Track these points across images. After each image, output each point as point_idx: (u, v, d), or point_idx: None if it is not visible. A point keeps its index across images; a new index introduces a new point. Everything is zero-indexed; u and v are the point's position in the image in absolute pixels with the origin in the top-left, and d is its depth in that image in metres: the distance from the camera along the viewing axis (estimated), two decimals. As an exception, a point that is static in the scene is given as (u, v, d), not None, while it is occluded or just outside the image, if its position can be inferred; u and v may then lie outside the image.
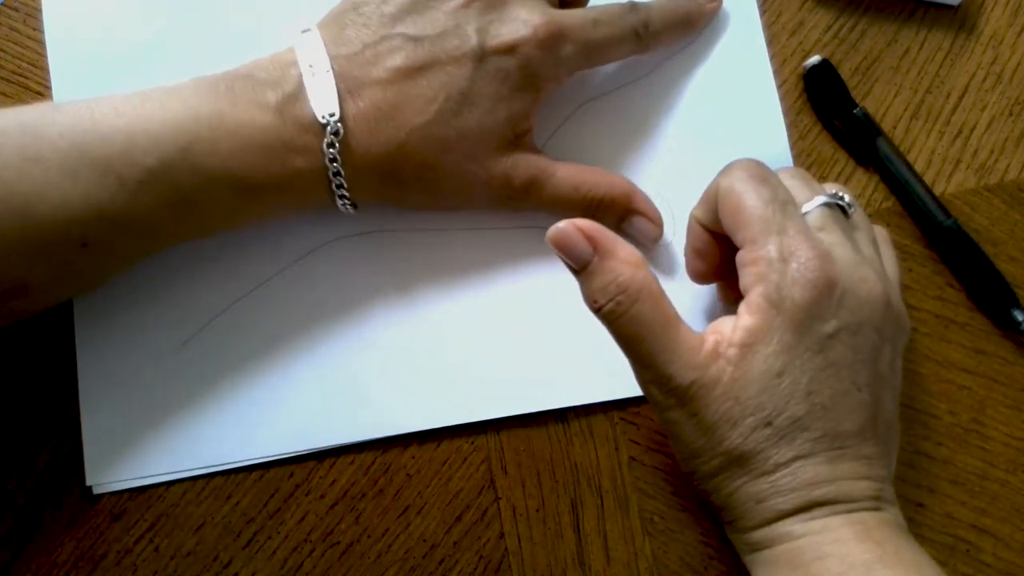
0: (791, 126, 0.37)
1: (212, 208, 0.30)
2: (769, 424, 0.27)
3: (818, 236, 0.29)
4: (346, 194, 0.31)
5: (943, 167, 0.37)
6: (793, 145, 0.37)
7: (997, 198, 0.37)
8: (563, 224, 0.28)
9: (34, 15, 0.36)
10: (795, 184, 0.31)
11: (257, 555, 0.33)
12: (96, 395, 0.34)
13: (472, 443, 0.35)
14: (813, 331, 0.27)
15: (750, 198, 0.29)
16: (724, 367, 0.28)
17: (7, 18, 0.37)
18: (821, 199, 0.30)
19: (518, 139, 0.33)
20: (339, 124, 0.30)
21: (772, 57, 0.38)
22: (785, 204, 0.29)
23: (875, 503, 0.28)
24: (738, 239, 0.29)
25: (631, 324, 0.28)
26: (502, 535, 0.34)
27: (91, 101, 0.29)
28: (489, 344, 0.35)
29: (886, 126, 0.37)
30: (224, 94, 0.29)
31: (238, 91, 0.30)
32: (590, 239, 0.28)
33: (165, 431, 0.34)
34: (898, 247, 0.36)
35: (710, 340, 0.28)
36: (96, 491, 0.33)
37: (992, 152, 0.38)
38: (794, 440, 0.27)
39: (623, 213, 0.34)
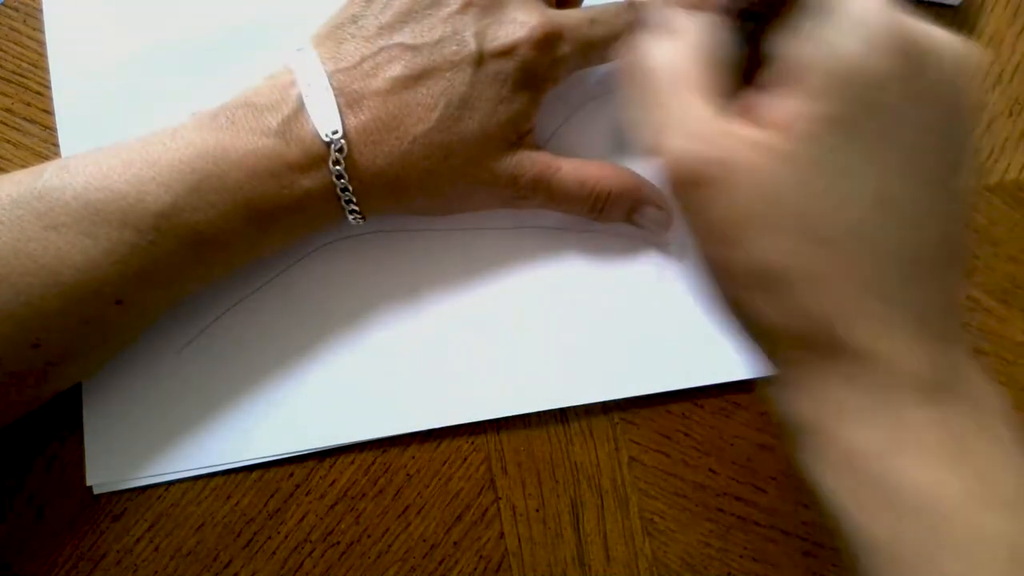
0: (791, 126, 0.37)
1: (232, 243, 0.30)
2: None
3: None
4: (356, 208, 0.31)
5: (943, 167, 0.37)
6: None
7: (997, 198, 0.37)
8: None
9: (34, 15, 0.36)
10: None
11: (257, 555, 0.33)
12: (97, 396, 0.34)
13: (472, 443, 0.35)
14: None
15: None
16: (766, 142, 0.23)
17: (7, 18, 0.37)
18: None
19: (520, 139, 0.33)
20: (342, 140, 0.30)
21: (772, 57, 0.38)
22: None
23: None
24: None
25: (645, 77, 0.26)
26: (502, 535, 0.34)
27: (98, 155, 0.29)
28: (489, 344, 0.35)
29: (886, 126, 0.37)
30: (226, 127, 0.30)
31: (239, 121, 0.30)
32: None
33: (166, 432, 0.34)
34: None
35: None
36: (96, 491, 0.33)
37: (992, 152, 0.38)
38: None
39: (632, 204, 0.34)
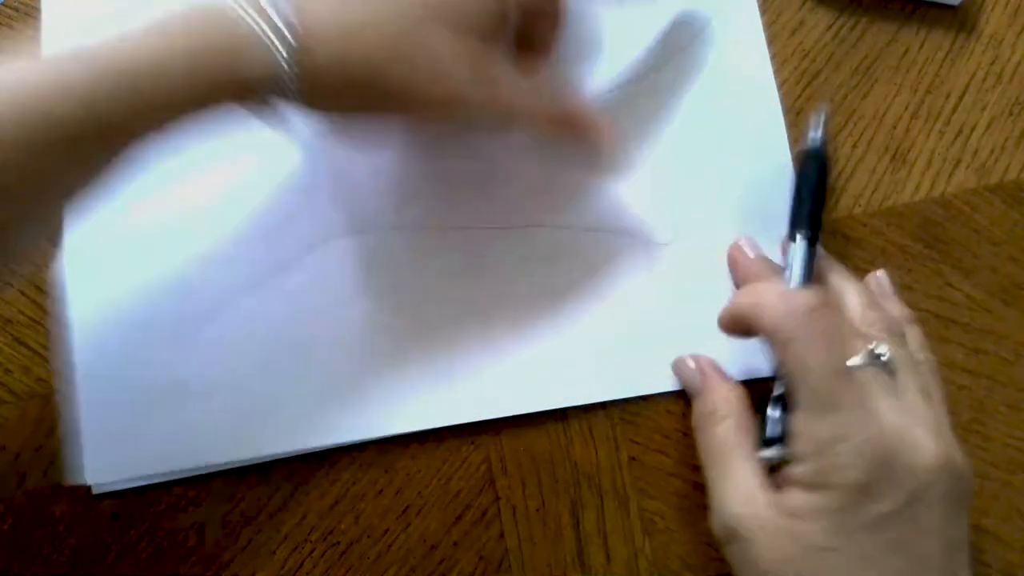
0: (791, 126, 0.37)
1: (168, 101, 0.28)
2: None
3: (871, 406, 0.28)
4: (301, 96, 0.29)
5: (943, 167, 0.37)
6: (793, 145, 0.37)
7: (997, 198, 0.37)
8: (684, 356, 0.34)
9: (34, 15, 0.36)
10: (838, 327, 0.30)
11: (257, 555, 0.33)
12: (96, 396, 0.34)
13: (472, 443, 0.35)
14: (867, 511, 0.27)
15: (810, 364, 0.28)
16: (773, 519, 0.28)
17: (7, 18, 0.37)
18: (860, 360, 0.29)
19: (490, 38, 0.31)
20: (291, 20, 0.28)
21: (772, 57, 0.38)
22: (847, 372, 0.28)
23: None
24: (795, 395, 0.29)
25: (708, 440, 0.31)
26: (502, 535, 0.34)
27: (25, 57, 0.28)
28: (489, 344, 0.35)
29: (886, 126, 0.37)
30: (170, 17, 0.28)
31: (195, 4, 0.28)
32: (701, 371, 0.33)
33: (165, 431, 0.34)
34: (897, 247, 0.36)
35: (768, 487, 0.29)
36: (96, 491, 0.33)
37: (992, 152, 0.38)
38: None
39: (581, 127, 0.34)
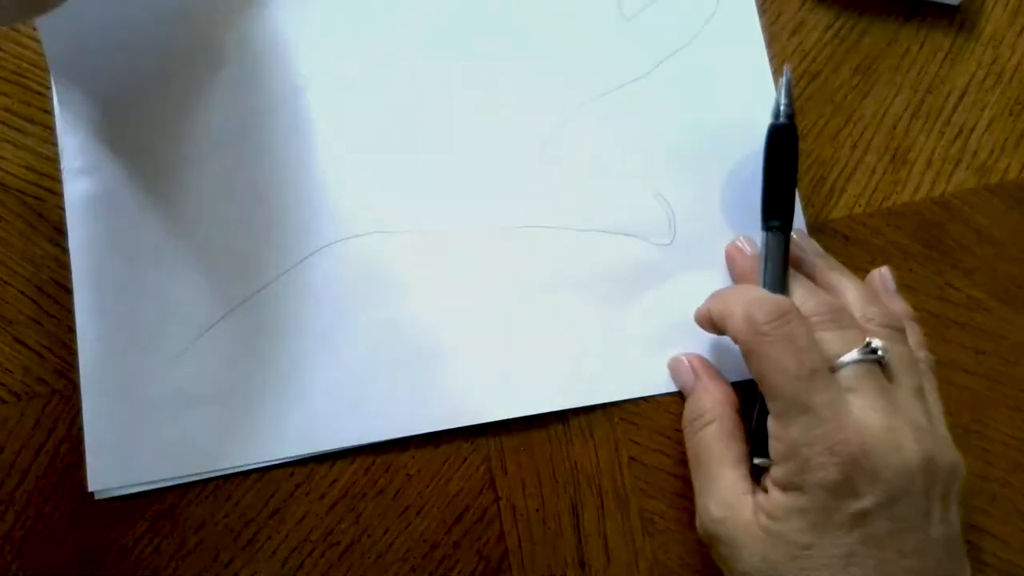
0: (791, 126, 0.37)
1: None
2: None
3: (848, 405, 0.28)
4: None
5: (943, 167, 0.37)
6: (793, 145, 0.37)
7: (997, 198, 0.37)
8: (679, 356, 0.34)
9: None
10: (828, 326, 0.30)
11: (257, 555, 0.33)
12: (98, 401, 0.34)
13: (472, 443, 0.35)
14: (844, 509, 0.27)
15: (775, 370, 0.29)
16: (753, 521, 0.29)
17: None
18: (854, 355, 0.29)
19: None
20: None
21: (772, 57, 0.38)
22: (813, 375, 0.28)
23: None
24: (765, 400, 0.30)
25: (694, 444, 0.32)
26: (502, 535, 0.34)
27: None
28: (488, 347, 0.35)
29: (886, 126, 0.37)
30: None
31: None
32: (694, 370, 0.34)
33: (167, 437, 0.34)
34: (897, 247, 0.36)
35: (751, 492, 0.30)
36: (98, 497, 0.33)
37: (992, 152, 0.38)
38: None
39: None
